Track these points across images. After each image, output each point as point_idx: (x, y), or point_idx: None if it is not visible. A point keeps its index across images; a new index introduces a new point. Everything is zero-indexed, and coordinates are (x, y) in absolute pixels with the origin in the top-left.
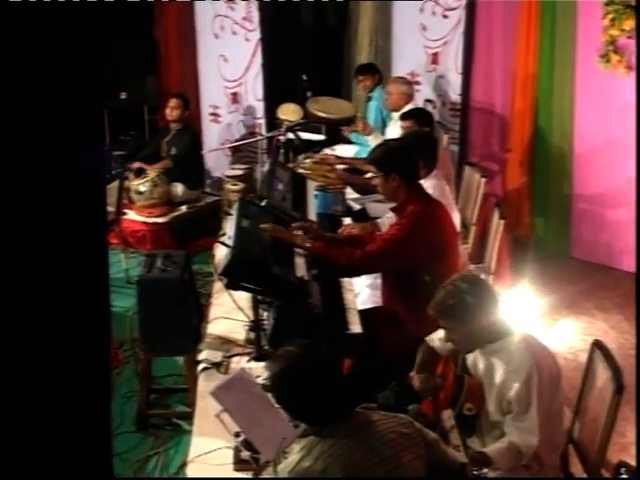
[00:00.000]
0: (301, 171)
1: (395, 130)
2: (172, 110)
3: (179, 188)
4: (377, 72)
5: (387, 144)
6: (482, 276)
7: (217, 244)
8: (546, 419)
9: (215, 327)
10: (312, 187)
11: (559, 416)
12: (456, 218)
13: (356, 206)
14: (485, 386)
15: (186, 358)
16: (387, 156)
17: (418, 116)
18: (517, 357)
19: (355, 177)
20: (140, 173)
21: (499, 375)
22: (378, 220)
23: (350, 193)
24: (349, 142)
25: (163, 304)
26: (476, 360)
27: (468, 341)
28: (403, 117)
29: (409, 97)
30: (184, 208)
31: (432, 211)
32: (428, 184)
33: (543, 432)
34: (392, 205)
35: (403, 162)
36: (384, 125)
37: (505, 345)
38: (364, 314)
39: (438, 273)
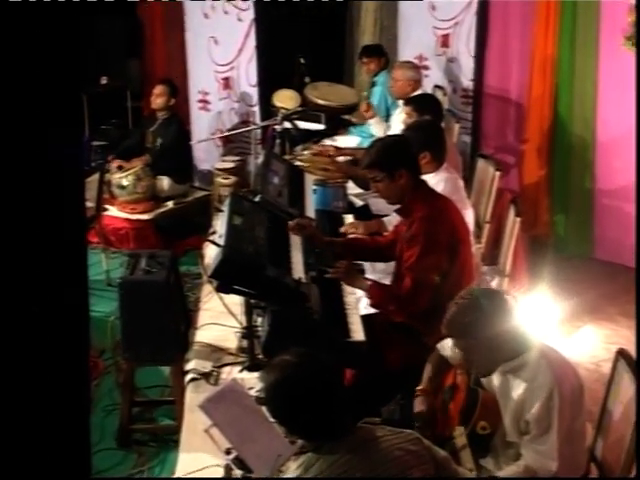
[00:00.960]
0: (299, 164)
1: (400, 119)
2: (157, 98)
3: (165, 182)
4: (383, 55)
5: (383, 140)
6: (496, 278)
7: (206, 243)
8: (567, 439)
9: (204, 334)
10: (310, 181)
11: (581, 435)
12: (469, 216)
13: (358, 202)
14: (501, 403)
15: (172, 368)
16: (389, 151)
17: (421, 102)
18: (536, 375)
19: (357, 169)
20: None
21: (517, 393)
22: (384, 219)
23: (352, 188)
24: (351, 129)
25: (147, 309)
26: (491, 375)
27: (487, 361)
28: (406, 104)
29: (416, 83)
30: (170, 204)
31: (441, 210)
32: (438, 178)
33: (563, 454)
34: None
35: (407, 155)
36: (388, 114)
37: (523, 362)
38: (367, 320)
39: (450, 275)
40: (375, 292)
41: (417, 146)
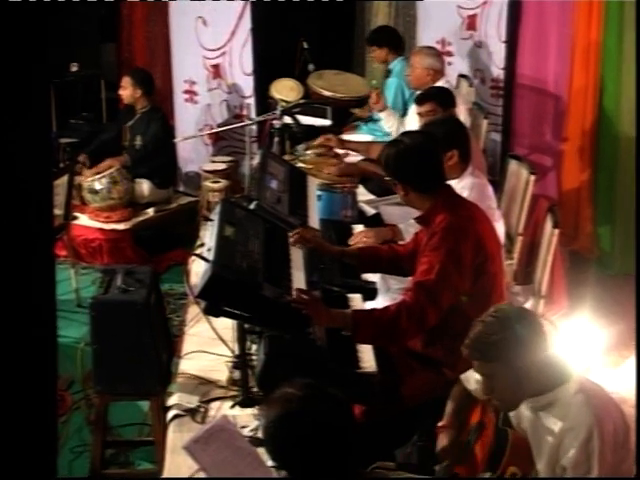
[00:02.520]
0: (301, 165)
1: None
2: (121, 91)
3: (145, 186)
4: (398, 39)
5: (397, 146)
6: (530, 300)
7: (193, 258)
8: None
9: (190, 364)
10: (314, 186)
11: None
12: (499, 227)
13: (370, 210)
14: (533, 446)
15: (152, 403)
16: (398, 163)
17: (438, 97)
18: (573, 413)
19: (368, 169)
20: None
21: (551, 434)
22: (400, 226)
23: (363, 194)
24: (362, 126)
25: (123, 334)
26: (521, 411)
27: (511, 393)
28: (419, 100)
29: (438, 72)
30: (151, 212)
31: (468, 219)
32: (463, 184)
33: None
34: (411, 208)
35: (418, 170)
36: (405, 109)
37: (558, 397)
38: (380, 348)
39: (476, 296)
40: (362, 322)
41: (443, 144)
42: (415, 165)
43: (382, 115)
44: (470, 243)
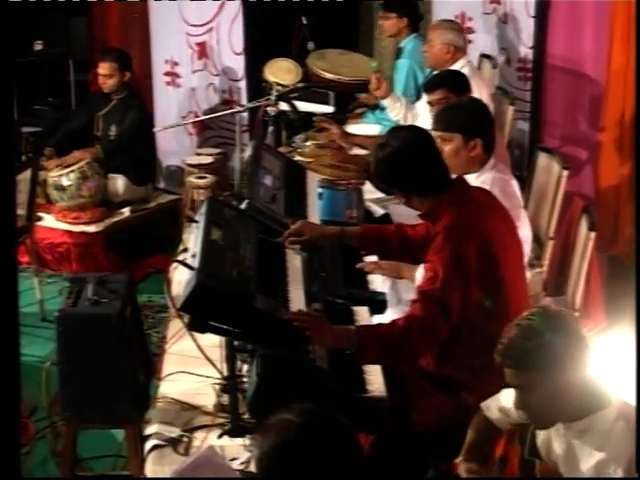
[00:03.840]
0: (299, 158)
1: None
2: (106, 79)
3: (120, 182)
4: (412, 11)
5: (384, 150)
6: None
7: (175, 265)
8: None
9: (171, 386)
10: (315, 182)
11: None
12: (525, 231)
13: (379, 210)
14: (565, 478)
15: (128, 431)
16: (389, 170)
17: (450, 82)
18: (613, 443)
19: None
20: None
21: (586, 465)
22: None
23: (370, 191)
24: (368, 114)
25: (95, 352)
26: (550, 439)
27: (548, 408)
28: (428, 87)
29: (459, 50)
30: (126, 211)
31: (474, 216)
32: (483, 179)
33: None
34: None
35: (415, 173)
36: (418, 93)
37: (595, 424)
38: (389, 368)
39: (495, 312)
40: (369, 340)
41: (466, 131)
42: (409, 169)
43: (386, 102)
44: (474, 244)
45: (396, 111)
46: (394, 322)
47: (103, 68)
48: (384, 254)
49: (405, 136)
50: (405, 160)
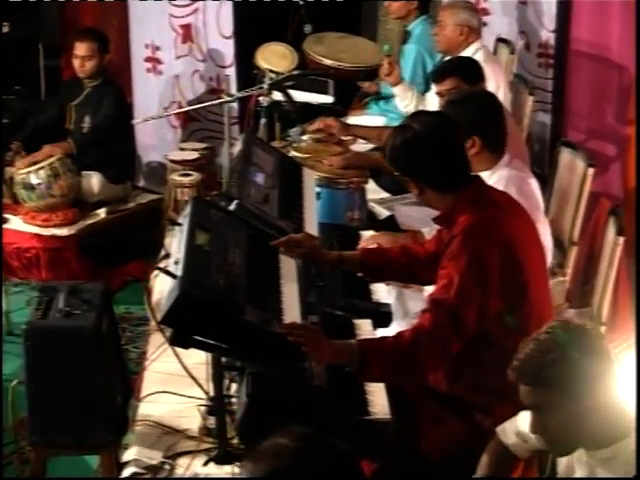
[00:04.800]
0: (294, 154)
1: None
2: (84, 62)
3: (95, 180)
4: None
5: (404, 134)
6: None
7: (155, 272)
8: None
9: (152, 408)
10: (313, 180)
11: None
12: (546, 233)
13: (383, 212)
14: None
15: (103, 458)
16: (407, 155)
17: (461, 70)
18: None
19: (380, 160)
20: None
21: None
22: (424, 231)
23: (374, 191)
24: (371, 104)
25: (67, 369)
26: (572, 467)
27: (568, 433)
28: (437, 76)
29: (473, 31)
30: (102, 213)
31: (494, 218)
32: (497, 177)
33: None
34: (432, 211)
35: (434, 162)
36: (427, 84)
37: (621, 452)
38: (394, 388)
39: (515, 326)
40: (371, 355)
41: (464, 128)
42: (429, 157)
43: (396, 90)
44: (496, 249)
45: (407, 101)
46: (400, 335)
47: (81, 49)
48: (388, 278)
49: (429, 120)
50: (426, 146)
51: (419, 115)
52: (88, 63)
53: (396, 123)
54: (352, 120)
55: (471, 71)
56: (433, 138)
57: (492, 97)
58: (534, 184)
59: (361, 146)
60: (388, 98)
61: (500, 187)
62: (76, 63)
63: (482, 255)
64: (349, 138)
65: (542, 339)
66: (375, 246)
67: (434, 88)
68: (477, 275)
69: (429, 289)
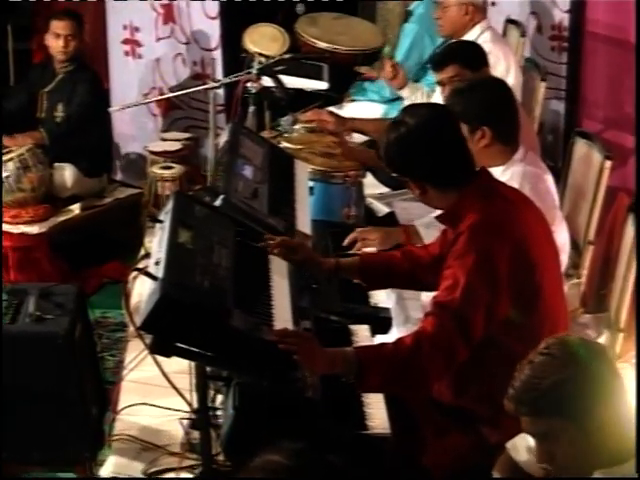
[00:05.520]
0: (286, 145)
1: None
2: (68, 42)
3: (68, 173)
4: None
5: (398, 130)
6: (604, 334)
7: (134, 274)
8: None
9: (130, 421)
10: (305, 174)
11: None
12: (562, 234)
13: (382, 208)
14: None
15: (79, 474)
16: (403, 153)
17: (463, 55)
18: None
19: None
20: None
21: None
22: (417, 225)
23: (371, 185)
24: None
25: (38, 379)
26: None
27: (579, 461)
28: (436, 63)
29: (478, 11)
30: (76, 209)
31: (503, 214)
32: (510, 173)
33: None
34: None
35: (433, 159)
36: (424, 70)
37: (626, 473)
38: (395, 399)
39: (527, 331)
40: (370, 363)
41: (470, 118)
42: (427, 152)
43: (403, 94)
44: (506, 247)
45: (413, 99)
46: (401, 341)
47: (63, 27)
48: (389, 285)
49: (424, 114)
50: (422, 141)
51: (413, 108)
52: (72, 43)
53: (394, 111)
54: (348, 109)
55: (473, 56)
56: (429, 132)
57: (502, 83)
58: (550, 180)
59: (359, 138)
60: (373, 80)
61: (514, 185)
62: (58, 43)
63: (491, 253)
64: (345, 132)
65: (538, 362)
66: (374, 250)
67: (434, 77)
68: (485, 275)
69: (427, 294)
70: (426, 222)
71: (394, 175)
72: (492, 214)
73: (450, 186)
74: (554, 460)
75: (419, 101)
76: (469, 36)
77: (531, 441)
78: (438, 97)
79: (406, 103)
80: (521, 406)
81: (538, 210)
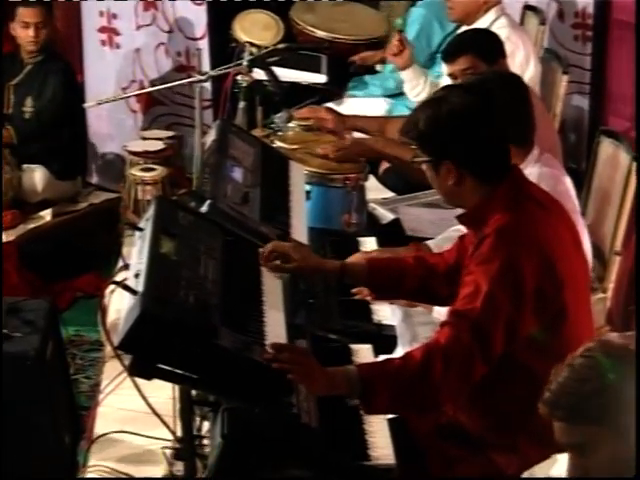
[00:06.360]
0: (280, 145)
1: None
2: (38, 30)
3: (38, 176)
4: None
5: (439, 107)
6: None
7: (112, 287)
8: None
9: (107, 451)
10: (301, 176)
11: None
12: (583, 241)
13: (387, 215)
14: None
15: None
16: (446, 131)
17: (477, 46)
18: None
19: (390, 145)
20: None
21: None
22: (430, 243)
23: (376, 189)
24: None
25: (4, 403)
26: None
27: (614, 474)
28: (448, 54)
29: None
30: (48, 215)
31: (532, 221)
32: (526, 175)
33: None
34: (450, 214)
35: (482, 143)
36: (432, 59)
37: None
38: (400, 425)
39: (550, 350)
40: (374, 382)
41: None
42: (476, 135)
43: (405, 75)
44: (534, 256)
45: (418, 89)
46: (410, 355)
47: (33, 15)
48: (400, 295)
49: (467, 94)
50: (474, 120)
51: (454, 89)
52: (42, 32)
53: (400, 109)
54: (348, 105)
55: (489, 46)
56: (486, 113)
57: (516, 79)
58: (569, 183)
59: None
60: (375, 73)
61: None
62: (27, 33)
63: (517, 261)
64: (346, 132)
65: (578, 365)
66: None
67: (445, 69)
68: (510, 285)
69: (440, 310)
70: (439, 240)
71: (418, 160)
72: (522, 218)
73: (489, 178)
74: (589, 474)
75: (422, 87)
76: (482, 22)
77: (553, 471)
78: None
79: (406, 87)
80: (557, 410)
81: (569, 218)
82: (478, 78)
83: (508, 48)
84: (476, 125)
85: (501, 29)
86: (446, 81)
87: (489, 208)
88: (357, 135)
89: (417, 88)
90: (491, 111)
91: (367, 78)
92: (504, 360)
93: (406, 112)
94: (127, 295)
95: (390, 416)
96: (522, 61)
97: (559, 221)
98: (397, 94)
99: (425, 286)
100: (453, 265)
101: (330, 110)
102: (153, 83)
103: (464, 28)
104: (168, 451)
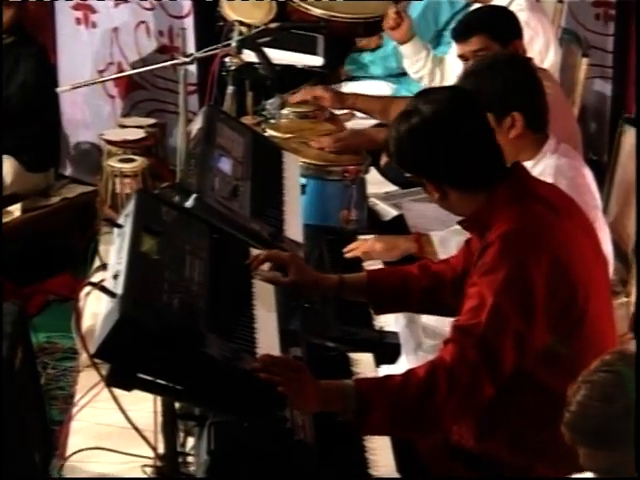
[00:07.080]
0: (272, 134)
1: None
2: (4, 11)
3: (7, 167)
4: None
5: (410, 120)
6: None
7: (87, 289)
8: None
9: (82, 468)
10: (296, 168)
11: None
12: (604, 240)
13: (389, 211)
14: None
15: None
16: (417, 148)
17: (491, 25)
18: None
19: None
20: None
21: None
22: (433, 235)
23: (375, 182)
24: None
25: None
26: None
27: None
28: (459, 33)
29: None
30: (16, 210)
31: (543, 222)
32: (541, 168)
33: None
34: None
35: (455, 156)
36: (438, 39)
37: None
38: (403, 443)
39: (567, 365)
40: (373, 399)
41: (496, 104)
42: (447, 147)
43: (405, 50)
44: (544, 262)
45: (419, 64)
46: (412, 372)
47: None
48: (404, 309)
49: (441, 99)
50: (441, 134)
51: (427, 93)
52: (10, 11)
53: (403, 91)
54: (347, 89)
55: (505, 26)
56: (449, 122)
57: (525, 61)
58: (589, 176)
59: (359, 121)
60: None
61: (548, 181)
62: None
63: (525, 269)
64: (345, 112)
65: (599, 381)
66: (379, 264)
67: (456, 49)
68: (517, 295)
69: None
70: (443, 236)
71: (407, 175)
72: (528, 221)
73: (476, 187)
74: None
75: (423, 63)
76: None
77: None
78: (451, 67)
79: (406, 63)
80: (582, 436)
81: (585, 216)
82: (485, 61)
83: (526, 34)
84: (439, 139)
85: (520, 12)
86: (452, 59)
87: (491, 212)
88: (357, 125)
89: (418, 64)
90: (466, 114)
91: (366, 58)
92: (517, 376)
93: (405, 91)
94: (105, 298)
95: None
96: (542, 48)
97: (571, 221)
98: (401, 74)
99: (431, 297)
100: (460, 273)
101: (327, 88)
102: (133, 66)
103: (476, 5)
104: (149, 469)
